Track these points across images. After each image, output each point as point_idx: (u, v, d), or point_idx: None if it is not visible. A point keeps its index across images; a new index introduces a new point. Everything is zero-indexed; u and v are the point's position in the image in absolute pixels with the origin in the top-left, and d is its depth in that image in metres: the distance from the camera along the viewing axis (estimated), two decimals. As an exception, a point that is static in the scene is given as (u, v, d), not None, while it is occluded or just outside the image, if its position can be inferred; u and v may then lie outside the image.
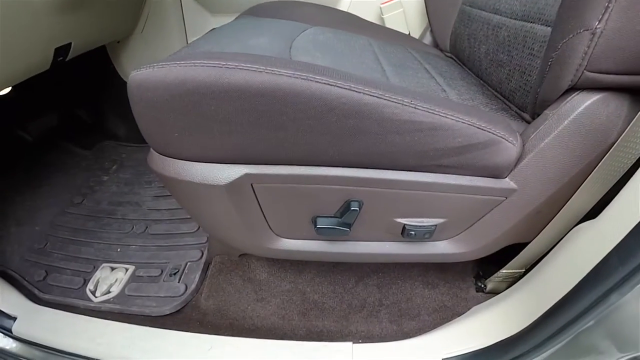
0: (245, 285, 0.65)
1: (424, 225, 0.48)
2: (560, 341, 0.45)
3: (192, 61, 0.39)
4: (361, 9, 0.96)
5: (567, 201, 0.47)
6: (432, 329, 0.59)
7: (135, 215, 0.86)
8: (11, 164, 0.95)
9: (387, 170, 0.44)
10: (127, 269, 0.74)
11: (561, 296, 0.45)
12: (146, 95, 0.42)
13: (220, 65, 0.39)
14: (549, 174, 0.45)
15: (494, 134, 0.41)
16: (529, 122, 0.51)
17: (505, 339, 0.52)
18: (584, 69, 0.41)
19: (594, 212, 0.46)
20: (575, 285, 0.43)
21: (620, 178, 0.44)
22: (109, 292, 0.71)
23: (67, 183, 0.97)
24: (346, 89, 0.38)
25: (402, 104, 0.39)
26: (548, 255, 0.51)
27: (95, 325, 0.67)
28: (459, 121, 0.40)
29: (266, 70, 0.38)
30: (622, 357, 0.40)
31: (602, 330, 0.40)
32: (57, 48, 0.75)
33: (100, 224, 0.85)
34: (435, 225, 0.48)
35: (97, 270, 0.76)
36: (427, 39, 0.90)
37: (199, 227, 0.80)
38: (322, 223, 0.49)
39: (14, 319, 0.68)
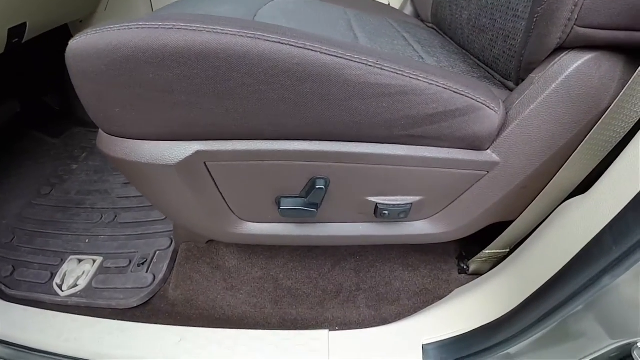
0: (214, 274, 0.60)
1: (398, 204, 0.43)
2: (547, 326, 0.41)
3: (127, 24, 0.32)
4: None
5: (555, 175, 0.42)
6: (412, 314, 0.54)
7: (105, 204, 0.80)
8: None
9: (354, 143, 0.38)
10: (94, 261, 0.69)
11: (548, 278, 0.40)
12: (82, 65, 0.35)
13: (156, 26, 0.32)
14: (535, 145, 0.40)
15: (473, 99, 0.35)
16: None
17: (489, 323, 0.48)
18: (574, 24, 0.36)
19: (584, 187, 0.41)
20: (564, 267, 0.38)
21: (613, 149, 0.39)
22: (76, 285, 0.66)
23: (35, 173, 0.90)
24: (300, 47, 0.32)
25: (367, 64, 0.33)
26: (534, 234, 0.46)
27: (63, 320, 0.61)
28: (432, 84, 0.34)
29: (207, 29, 0.32)
30: (614, 343, 0.36)
31: (592, 315, 0.36)
32: (10, 29, 0.67)
33: (68, 214, 0.79)
34: (411, 203, 0.43)
35: (64, 263, 0.70)
36: (408, 10, 0.83)
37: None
38: (286, 204, 0.43)
39: None
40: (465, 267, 0.60)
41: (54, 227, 0.77)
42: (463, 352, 0.47)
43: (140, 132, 0.40)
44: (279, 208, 0.43)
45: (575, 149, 0.40)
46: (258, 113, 0.35)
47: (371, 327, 0.53)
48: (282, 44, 0.32)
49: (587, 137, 0.38)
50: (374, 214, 0.44)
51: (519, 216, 0.47)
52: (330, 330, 0.53)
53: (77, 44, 0.34)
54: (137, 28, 0.33)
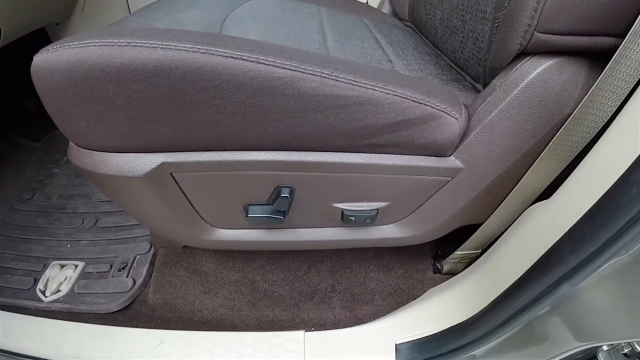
0: (192, 277, 0.61)
1: (364, 210, 0.43)
2: (513, 327, 0.42)
3: (84, 41, 0.32)
4: None
5: (519, 180, 0.43)
6: (386, 314, 0.55)
7: (86, 208, 0.80)
8: None
9: (315, 152, 0.38)
10: (76, 266, 0.69)
11: (513, 281, 0.41)
12: (45, 82, 0.35)
13: (112, 44, 0.32)
14: (498, 151, 0.40)
15: (432, 107, 0.36)
16: (480, 93, 0.45)
17: (459, 323, 0.49)
18: (534, 30, 0.36)
19: (549, 192, 0.42)
20: (526, 272, 0.39)
21: (580, 154, 0.39)
22: (58, 290, 0.66)
23: (16, 178, 0.89)
24: (253, 61, 0.32)
25: (321, 76, 0.33)
26: (501, 238, 0.47)
27: (46, 325, 0.62)
28: (389, 93, 0.34)
29: (161, 46, 0.32)
30: (579, 346, 0.37)
31: (557, 318, 0.37)
32: None
33: (50, 219, 0.79)
34: (377, 209, 0.44)
35: (47, 268, 0.70)
36: (386, 8, 0.82)
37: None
38: (253, 211, 0.43)
39: None
40: (439, 267, 0.61)
41: (37, 232, 0.77)
42: (433, 352, 0.49)
43: (106, 144, 0.40)
44: (246, 216, 0.44)
45: (539, 155, 0.40)
46: (217, 126, 0.35)
47: (346, 327, 0.54)
48: (235, 58, 0.32)
49: (551, 143, 0.39)
50: (341, 219, 0.45)
51: (486, 219, 0.48)
52: (306, 331, 0.54)
53: (40, 60, 0.34)
54: (94, 45, 0.32)
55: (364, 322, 0.55)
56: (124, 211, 0.77)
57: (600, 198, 0.32)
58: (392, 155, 0.39)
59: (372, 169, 0.39)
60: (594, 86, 0.34)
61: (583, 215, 0.34)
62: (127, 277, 0.64)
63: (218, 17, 0.52)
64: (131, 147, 0.39)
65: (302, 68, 0.32)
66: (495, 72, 0.41)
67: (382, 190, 0.42)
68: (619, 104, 0.34)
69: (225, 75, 0.32)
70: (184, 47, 0.31)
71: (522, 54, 0.38)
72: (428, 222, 0.47)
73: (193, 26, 0.47)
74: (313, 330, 0.54)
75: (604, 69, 0.32)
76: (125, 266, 0.65)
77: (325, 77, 0.33)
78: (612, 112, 0.35)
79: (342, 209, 0.43)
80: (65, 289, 0.66)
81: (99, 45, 0.32)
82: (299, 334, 0.54)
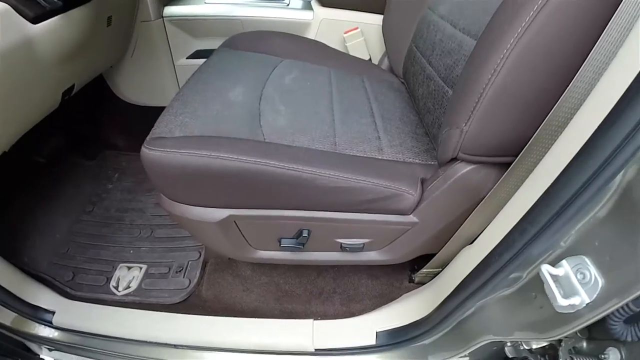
0: (234, 280, 0.92)
1: (355, 244, 0.73)
2: (449, 325, 0.71)
3: (188, 151, 0.60)
4: (327, 37, 1.13)
5: (458, 229, 0.71)
6: (371, 311, 0.85)
7: (141, 221, 1.10)
8: (29, 183, 1.16)
9: (322, 212, 0.67)
10: (141, 268, 1.00)
11: (447, 294, 0.70)
12: (156, 170, 0.64)
13: (208, 156, 0.60)
14: (441, 213, 0.69)
15: (393, 189, 0.64)
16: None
17: (418, 320, 0.78)
18: (459, 151, 0.62)
19: (476, 237, 0.70)
20: (454, 289, 0.68)
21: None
22: (129, 287, 0.97)
23: (77, 193, 1.19)
24: (289, 169, 0.60)
25: (326, 176, 0.61)
26: (447, 266, 0.76)
27: (121, 313, 0.92)
28: (364, 183, 0.63)
29: (238, 159, 0.60)
30: (486, 340, 0.66)
31: (473, 320, 0.65)
32: (63, 92, 0.94)
33: (112, 229, 1.09)
34: (363, 243, 0.73)
35: (116, 269, 1.01)
36: (386, 64, 1.08)
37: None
38: (285, 243, 0.73)
39: (53, 313, 0.90)
40: (413, 278, 0.90)
41: (102, 240, 1.07)
42: (400, 338, 0.79)
43: (194, 202, 0.69)
44: (280, 245, 0.73)
45: (466, 219, 0.68)
46: (267, 199, 0.64)
47: (342, 318, 0.85)
48: (279, 168, 0.60)
49: (473, 212, 0.67)
50: (340, 248, 0.74)
51: (439, 250, 0.77)
52: (314, 319, 0.84)
53: (151, 156, 0.63)
54: (195, 156, 0.61)
55: (355, 316, 0.85)
56: (174, 225, 1.07)
57: (495, 246, 0.60)
58: (369, 214, 0.68)
59: (360, 222, 0.68)
60: (498, 182, 0.62)
61: (485, 257, 0.62)
62: (183, 277, 0.95)
63: (255, 96, 0.79)
64: (211, 205, 0.69)
65: (315, 171, 0.61)
66: (441, 162, 0.68)
67: (366, 233, 0.71)
68: (515, 191, 0.61)
69: (273, 177, 0.61)
70: (251, 160, 0.60)
71: (454, 159, 0.65)
72: (399, 251, 0.76)
73: (239, 109, 0.74)
74: (319, 320, 0.84)
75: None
76: (182, 269, 0.96)
77: (327, 176, 0.61)
78: (511, 196, 0.62)
79: (341, 242, 0.73)
80: (134, 285, 0.97)
81: (199, 156, 0.60)
82: (309, 322, 0.84)
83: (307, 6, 1.19)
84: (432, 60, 0.80)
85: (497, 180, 0.61)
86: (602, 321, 0.52)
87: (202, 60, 1.22)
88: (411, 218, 0.69)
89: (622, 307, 0.49)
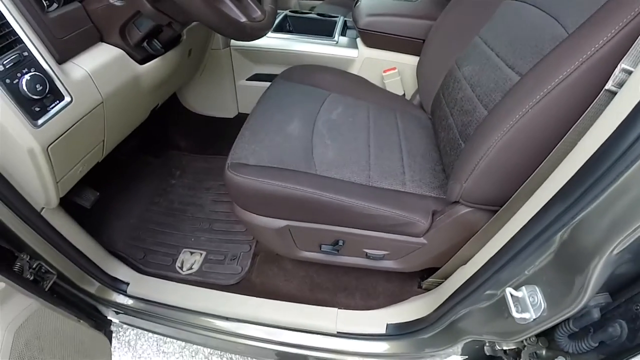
0: (279, 271, 1.22)
1: (377, 254, 1.01)
2: (443, 324, 0.98)
3: (263, 179, 0.89)
4: (368, 73, 1.39)
5: (458, 251, 0.98)
6: (385, 307, 1.14)
7: (202, 214, 1.41)
8: (111, 176, 1.48)
9: (357, 229, 0.95)
10: (201, 254, 1.31)
11: (443, 300, 0.98)
12: (236, 190, 0.94)
13: (278, 185, 0.89)
14: (444, 239, 0.95)
15: (410, 219, 0.91)
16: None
17: (420, 317, 1.06)
18: (460, 198, 0.88)
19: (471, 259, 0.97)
20: (449, 296, 0.95)
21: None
22: (191, 268, 1.29)
23: (145, 187, 1.52)
24: (337, 200, 0.88)
25: (361, 206, 0.89)
26: (447, 280, 1.03)
27: (185, 288, 1.22)
28: (389, 212, 0.90)
29: (300, 190, 0.88)
30: (475, 338, 0.92)
31: (464, 321, 0.92)
32: (152, 109, 1.25)
33: (176, 219, 1.41)
34: (384, 254, 1.01)
35: (180, 253, 1.32)
36: (417, 100, 1.33)
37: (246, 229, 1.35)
38: (324, 248, 1.02)
39: (127, 284, 1.17)
40: (421, 285, 1.18)
41: (169, 227, 1.39)
42: (406, 330, 1.07)
43: (260, 213, 0.99)
44: (320, 249, 1.02)
45: (464, 245, 0.95)
46: (316, 217, 0.93)
47: (361, 310, 1.13)
48: (329, 198, 0.88)
49: (468, 241, 0.93)
50: (366, 256, 1.03)
51: (443, 265, 1.04)
52: (338, 309, 1.13)
53: (234, 179, 0.92)
54: (268, 184, 0.89)
55: (372, 309, 1.13)
56: (229, 221, 1.38)
57: (479, 269, 0.87)
58: (390, 234, 0.95)
59: (380, 239, 0.96)
60: (488, 222, 0.88)
61: (472, 276, 0.89)
62: (236, 265, 1.26)
63: (308, 130, 1.08)
64: (273, 216, 0.98)
65: (353, 202, 0.89)
66: (448, 202, 0.94)
67: (385, 246, 0.99)
68: (498, 231, 0.88)
69: (325, 205, 0.89)
70: (310, 191, 0.88)
71: (457, 201, 0.91)
72: (411, 262, 1.04)
73: (297, 142, 1.02)
74: (342, 309, 1.13)
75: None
76: (235, 258, 1.27)
77: (361, 206, 0.89)
78: (495, 234, 0.89)
79: (366, 252, 1.01)
80: (196, 267, 1.28)
81: (270, 184, 0.89)
82: (334, 310, 1.13)
83: (353, 44, 1.45)
84: (454, 113, 1.05)
85: (488, 221, 0.87)
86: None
87: (259, 83, 1.53)
88: (422, 240, 0.96)
89: (565, 326, 0.73)
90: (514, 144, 0.72)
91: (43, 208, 0.89)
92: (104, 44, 0.91)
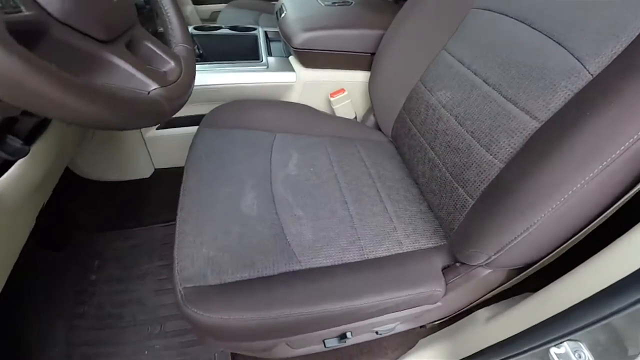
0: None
1: (388, 328, 0.86)
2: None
3: (240, 316, 0.63)
4: (312, 99, 1.14)
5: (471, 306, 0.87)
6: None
7: (145, 315, 1.09)
8: (6, 296, 1.06)
9: (367, 320, 0.78)
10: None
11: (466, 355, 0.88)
12: (204, 331, 0.68)
13: (262, 318, 0.65)
14: (461, 299, 0.83)
15: (425, 293, 0.76)
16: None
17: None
18: (484, 264, 0.74)
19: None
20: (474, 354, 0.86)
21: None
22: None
23: (61, 294, 1.12)
24: (340, 308, 0.68)
25: (369, 304, 0.70)
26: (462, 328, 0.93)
27: None
28: (402, 297, 0.73)
29: (295, 314, 0.65)
30: None
31: None
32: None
33: (115, 330, 1.07)
34: (394, 326, 0.86)
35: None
36: (371, 121, 1.15)
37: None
38: (329, 344, 0.83)
39: None
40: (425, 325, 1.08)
41: (108, 344, 1.05)
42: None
43: (244, 341, 0.74)
44: (324, 345, 0.83)
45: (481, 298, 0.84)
46: (320, 326, 0.73)
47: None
48: (330, 311, 0.67)
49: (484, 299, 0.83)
50: (376, 333, 0.87)
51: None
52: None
53: (196, 319, 0.65)
54: (246, 321, 0.65)
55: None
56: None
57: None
58: (404, 311, 0.80)
59: (393, 317, 0.80)
60: (502, 281, 0.77)
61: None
62: (215, 372, 1.00)
63: (269, 201, 0.84)
64: (261, 339, 0.75)
65: (360, 303, 0.69)
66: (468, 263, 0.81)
67: (395, 320, 0.84)
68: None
69: (328, 317, 0.68)
70: (308, 311, 0.67)
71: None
72: (420, 321, 0.91)
73: (262, 227, 0.79)
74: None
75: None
76: (210, 364, 1.01)
77: (370, 304, 0.71)
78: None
79: (376, 330, 0.85)
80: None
81: (253, 321, 0.65)
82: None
83: (287, 65, 1.17)
84: (435, 148, 0.89)
85: (513, 276, 0.76)
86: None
87: (175, 130, 1.18)
88: (437, 304, 0.83)
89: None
90: (562, 220, 0.59)
91: None
92: None
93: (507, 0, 0.76)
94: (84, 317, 1.10)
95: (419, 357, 1.01)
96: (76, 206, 1.23)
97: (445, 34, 0.88)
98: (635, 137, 0.49)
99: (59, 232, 1.20)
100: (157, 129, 1.16)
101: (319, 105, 1.16)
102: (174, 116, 0.78)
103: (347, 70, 1.14)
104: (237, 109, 1.04)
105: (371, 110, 1.15)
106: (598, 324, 0.59)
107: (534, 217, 0.59)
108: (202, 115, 1.02)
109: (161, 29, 0.89)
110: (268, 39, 1.33)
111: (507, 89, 0.72)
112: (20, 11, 0.46)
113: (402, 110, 1.03)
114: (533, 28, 0.69)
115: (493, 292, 0.81)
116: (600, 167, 0.52)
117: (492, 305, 0.84)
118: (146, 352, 1.05)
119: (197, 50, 1.13)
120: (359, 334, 0.85)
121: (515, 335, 0.74)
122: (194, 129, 1.01)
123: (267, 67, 1.14)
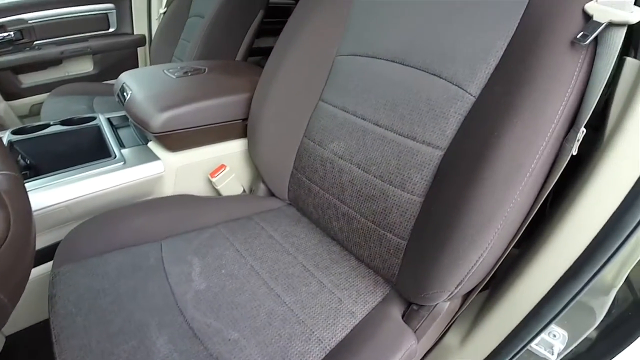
0: None
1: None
2: None
3: None
4: (190, 185, 0.96)
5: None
6: None
7: None
8: None
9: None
10: None
11: None
12: None
13: None
14: (431, 339, 0.78)
15: (405, 355, 0.67)
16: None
17: None
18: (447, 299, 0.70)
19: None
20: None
21: None
22: None
23: None
24: None
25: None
26: None
27: None
28: None
29: None
30: None
31: None
32: None
33: None
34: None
35: None
36: (262, 189, 1.02)
37: None
38: None
39: None
40: None
41: None
42: None
43: None
44: None
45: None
46: None
47: None
48: None
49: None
50: None
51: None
52: None
53: None
54: None
55: None
56: None
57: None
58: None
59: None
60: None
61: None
62: None
63: (190, 336, 0.63)
64: None
65: None
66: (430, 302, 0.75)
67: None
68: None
69: None
70: None
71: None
72: None
73: None
74: None
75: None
76: None
77: None
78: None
79: None
80: None
81: None
82: None
83: (148, 154, 0.94)
84: (347, 200, 0.83)
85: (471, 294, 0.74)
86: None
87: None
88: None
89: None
90: (506, 233, 0.60)
91: None
92: None
93: (371, 44, 0.78)
94: None
95: None
96: None
97: (318, 85, 0.86)
98: (547, 138, 0.53)
99: None
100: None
101: (200, 190, 0.98)
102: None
103: (222, 143, 0.99)
104: (101, 226, 0.78)
105: (259, 177, 1.04)
106: (569, 307, 0.62)
107: (485, 242, 0.58)
108: (56, 245, 0.73)
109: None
110: (114, 127, 1.08)
111: (400, 126, 0.73)
112: None
113: (294, 171, 0.95)
114: (405, 65, 0.72)
115: (457, 315, 0.78)
116: (527, 176, 0.54)
117: (455, 325, 0.81)
118: None
119: (22, 162, 0.81)
120: None
121: (499, 345, 0.73)
122: (48, 266, 0.70)
123: (125, 163, 0.89)
